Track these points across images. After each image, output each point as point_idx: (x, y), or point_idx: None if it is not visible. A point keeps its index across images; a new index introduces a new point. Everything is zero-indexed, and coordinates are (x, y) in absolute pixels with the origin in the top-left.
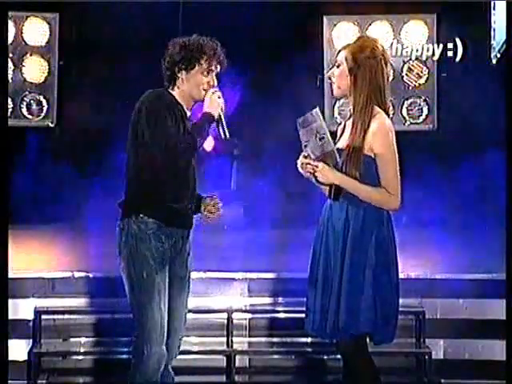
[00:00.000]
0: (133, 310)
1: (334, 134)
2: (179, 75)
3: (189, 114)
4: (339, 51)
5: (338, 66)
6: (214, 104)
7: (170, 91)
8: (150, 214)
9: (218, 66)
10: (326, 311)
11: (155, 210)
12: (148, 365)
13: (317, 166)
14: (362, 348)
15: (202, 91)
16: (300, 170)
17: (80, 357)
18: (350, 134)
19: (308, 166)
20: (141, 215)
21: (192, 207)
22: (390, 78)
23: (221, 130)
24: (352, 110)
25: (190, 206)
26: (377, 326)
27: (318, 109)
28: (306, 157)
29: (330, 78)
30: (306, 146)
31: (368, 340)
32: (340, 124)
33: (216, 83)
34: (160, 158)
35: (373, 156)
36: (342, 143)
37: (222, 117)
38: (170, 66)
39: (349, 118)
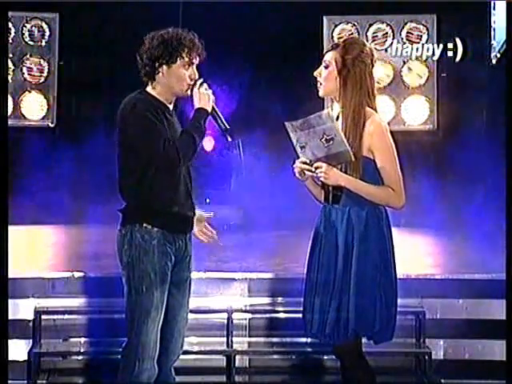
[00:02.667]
0: (128, 322)
1: None
2: (160, 70)
3: (171, 107)
4: (327, 51)
5: (326, 67)
6: (205, 98)
7: (149, 91)
8: (153, 223)
9: (198, 58)
10: (327, 313)
11: (158, 218)
12: (138, 381)
13: (320, 167)
14: (357, 348)
15: (184, 85)
16: (297, 175)
17: (80, 357)
18: (345, 136)
19: (306, 167)
20: (144, 224)
21: (192, 208)
22: (391, 79)
23: (219, 122)
24: (341, 113)
25: (190, 207)
26: (381, 325)
27: (329, 110)
28: (304, 162)
29: (316, 78)
30: (303, 148)
31: (367, 339)
32: None
33: (197, 76)
34: (159, 164)
35: (371, 157)
36: None
37: (216, 108)
38: (150, 61)
39: (337, 119)
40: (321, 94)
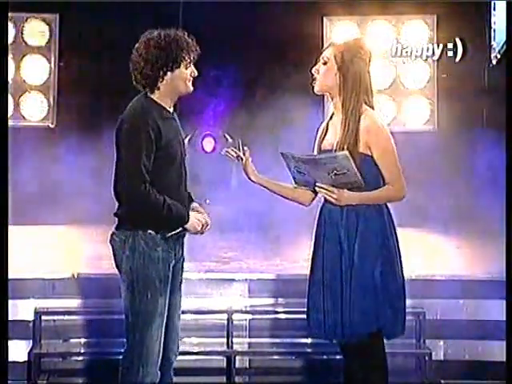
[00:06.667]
0: (130, 328)
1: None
2: (164, 78)
3: (171, 109)
4: (326, 47)
5: (324, 63)
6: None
7: (151, 96)
8: (157, 230)
9: (195, 56)
10: (335, 312)
11: (161, 224)
12: None
13: (332, 192)
14: (366, 348)
15: (188, 84)
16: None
17: (80, 357)
18: (342, 133)
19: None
20: (149, 231)
21: (187, 209)
22: (391, 79)
23: None
24: (341, 109)
25: (185, 207)
26: (386, 321)
27: (346, 153)
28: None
29: (312, 74)
30: (302, 173)
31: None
32: (321, 124)
33: (196, 73)
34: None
35: (369, 153)
36: (330, 143)
37: None
38: (153, 70)
39: (331, 118)
40: (316, 89)
